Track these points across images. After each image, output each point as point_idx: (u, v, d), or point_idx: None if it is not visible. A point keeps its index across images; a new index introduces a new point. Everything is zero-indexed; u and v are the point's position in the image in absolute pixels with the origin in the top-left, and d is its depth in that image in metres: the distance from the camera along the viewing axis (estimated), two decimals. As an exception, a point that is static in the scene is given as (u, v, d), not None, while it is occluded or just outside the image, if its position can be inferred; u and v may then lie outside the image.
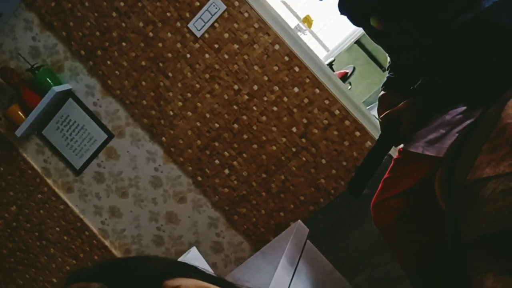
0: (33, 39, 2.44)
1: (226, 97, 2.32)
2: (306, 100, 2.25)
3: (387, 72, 1.48)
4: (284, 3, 4.09)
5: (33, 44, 2.44)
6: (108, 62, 2.39)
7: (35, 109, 2.33)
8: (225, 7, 2.22)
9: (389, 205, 1.31)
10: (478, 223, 0.41)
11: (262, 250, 1.92)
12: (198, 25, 2.27)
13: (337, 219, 2.48)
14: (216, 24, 2.25)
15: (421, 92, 1.19)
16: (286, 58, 2.22)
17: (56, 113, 2.46)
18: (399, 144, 1.36)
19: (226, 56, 2.28)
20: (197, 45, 2.29)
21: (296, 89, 2.25)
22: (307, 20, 4.13)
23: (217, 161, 2.38)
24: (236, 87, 2.30)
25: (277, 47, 2.22)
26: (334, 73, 3.15)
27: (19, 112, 2.39)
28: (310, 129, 2.27)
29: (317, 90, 2.23)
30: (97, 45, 2.39)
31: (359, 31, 3.97)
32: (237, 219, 2.42)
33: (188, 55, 2.31)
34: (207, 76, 2.32)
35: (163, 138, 2.41)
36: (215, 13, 2.24)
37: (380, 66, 4.45)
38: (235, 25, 2.24)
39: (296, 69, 2.22)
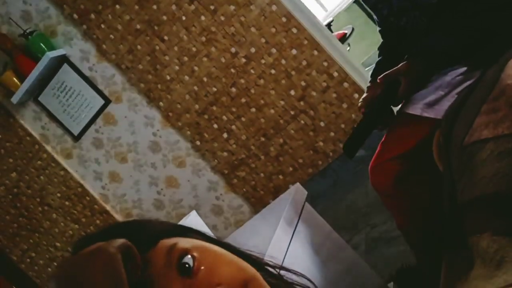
0: (24, 2, 2.37)
1: (223, 60, 2.29)
2: (304, 63, 2.22)
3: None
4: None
5: (25, 8, 2.38)
6: (102, 26, 2.34)
7: (30, 75, 2.30)
8: (220, -34, 2.15)
9: (387, 167, 1.32)
10: (474, 184, 0.41)
11: (261, 212, 1.95)
12: (193, -14, 2.20)
13: (335, 181, 2.50)
14: (211, -15, 2.19)
15: (422, 52, 1.17)
16: (284, 19, 2.18)
17: (51, 79, 2.42)
18: (397, 105, 1.36)
19: (222, 18, 2.23)
20: (192, 7, 2.24)
21: (294, 51, 2.22)
22: (305, -21, 4.02)
23: (215, 125, 2.38)
24: (233, 50, 2.27)
25: (274, 7, 2.17)
26: (333, 34, 3.10)
27: (14, 79, 2.36)
28: (309, 92, 2.26)
29: (316, 52, 2.20)
30: (90, 8, 2.33)
31: (358, -10, 3.88)
32: (237, 183, 2.44)
33: (184, 18, 2.26)
34: (203, 39, 2.28)
35: (161, 103, 2.40)
36: (210, -27, 2.17)
37: (380, 26, 4.36)
38: (231, -14, 2.18)
39: (294, 30, 2.18)
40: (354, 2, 4.19)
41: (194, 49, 2.29)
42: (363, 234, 2.29)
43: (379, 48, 1.51)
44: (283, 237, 1.37)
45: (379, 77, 1.30)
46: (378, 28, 1.45)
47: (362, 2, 1.39)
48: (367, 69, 2.41)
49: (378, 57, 1.50)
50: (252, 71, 2.27)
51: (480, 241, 0.38)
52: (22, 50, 2.35)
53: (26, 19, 2.39)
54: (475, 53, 1.11)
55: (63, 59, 2.40)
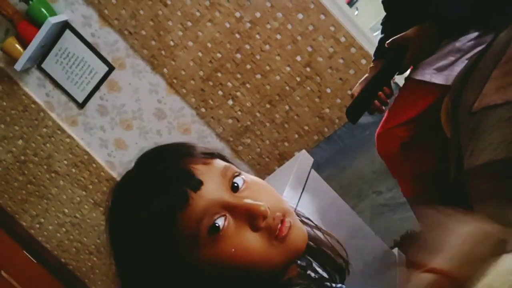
0: (24, -34, 2.31)
1: (227, 25, 2.24)
2: (310, 27, 2.17)
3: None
4: None
5: (24, -29, 2.32)
6: (104, -11, 2.29)
7: (32, 42, 2.27)
8: None
9: (394, 133, 1.31)
10: (482, 150, 0.40)
11: (267, 179, 1.96)
12: None
13: (341, 148, 2.50)
14: None
15: (435, 20, 1.14)
16: (290, -18, 2.12)
17: (54, 46, 2.40)
18: (404, 71, 1.34)
19: (227, -19, 2.17)
20: (195, -30, 2.18)
21: (300, 16, 2.16)
22: None
23: (220, 92, 2.36)
24: (237, 14, 2.22)
25: (280, -30, 2.10)
26: (340, -3, 3.01)
27: (17, 45, 2.33)
28: (315, 58, 2.22)
29: (322, 16, 2.15)
30: (91, -29, 2.28)
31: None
32: (242, 150, 2.44)
33: (187, -19, 2.20)
34: (207, 3, 2.22)
35: (165, 69, 2.37)
36: None
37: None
38: None
39: (300, -7, 2.12)
40: (362, -37, 4.05)
41: (197, 13, 2.25)
42: (369, 201, 2.30)
43: (382, 24, 1.48)
44: (289, 203, 1.38)
45: (386, 42, 1.27)
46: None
47: None
48: (375, 34, 2.36)
49: (381, 33, 1.47)
50: (257, 36, 2.23)
51: (486, 209, 0.38)
52: (23, 16, 2.31)
53: (26, -16, 2.34)
54: (486, 18, 1.08)
55: (66, 25, 2.36)
